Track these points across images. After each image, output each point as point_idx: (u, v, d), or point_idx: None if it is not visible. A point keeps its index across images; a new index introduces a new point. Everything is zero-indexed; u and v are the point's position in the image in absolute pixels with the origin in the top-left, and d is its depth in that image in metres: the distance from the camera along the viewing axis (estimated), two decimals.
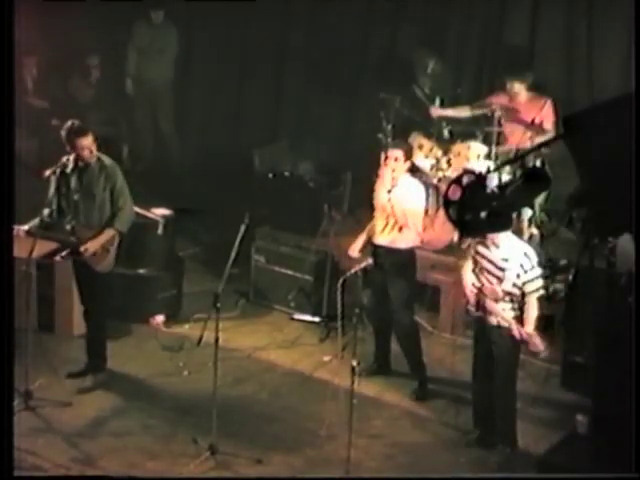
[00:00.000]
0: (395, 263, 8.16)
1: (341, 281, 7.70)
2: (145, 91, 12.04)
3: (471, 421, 7.72)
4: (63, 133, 7.91)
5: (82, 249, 7.93)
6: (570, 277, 8.49)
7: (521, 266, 7.13)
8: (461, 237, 8.95)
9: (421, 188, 8.25)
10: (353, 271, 7.81)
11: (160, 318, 9.31)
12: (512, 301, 7.21)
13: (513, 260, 7.15)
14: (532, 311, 7.18)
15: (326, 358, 8.77)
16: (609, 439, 7.06)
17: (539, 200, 9.23)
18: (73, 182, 7.98)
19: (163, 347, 8.89)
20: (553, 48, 10.59)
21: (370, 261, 8.00)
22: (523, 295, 7.17)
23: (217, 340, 7.30)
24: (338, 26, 11.47)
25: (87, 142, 7.88)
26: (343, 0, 11.38)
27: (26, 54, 11.16)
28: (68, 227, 8.01)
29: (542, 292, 7.20)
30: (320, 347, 9.04)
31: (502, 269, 7.19)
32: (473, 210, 6.37)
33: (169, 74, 12.06)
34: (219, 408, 7.28)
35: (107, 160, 8.06)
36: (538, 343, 7.16)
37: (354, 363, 7.03)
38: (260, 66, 12.10)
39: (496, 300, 7.22)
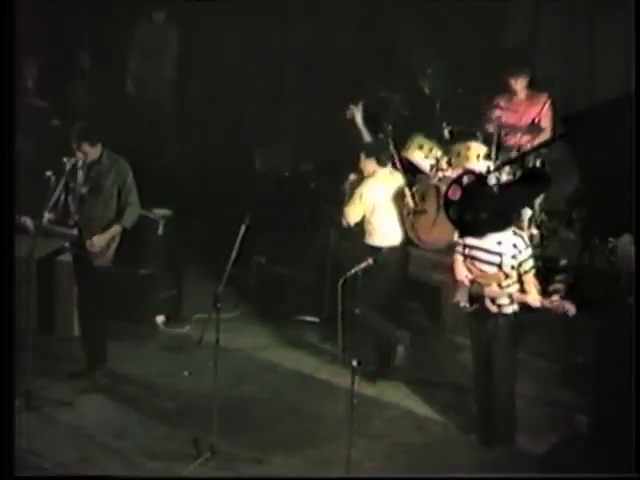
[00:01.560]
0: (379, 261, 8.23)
1: (341, 281, 7.70)
2: (145, 91, 12.03)
3: (471, 421, 7.72)
4: (73, 136, 7.94)
5: (88, 244, 7.96)
6: (570, 277, 8.49)
7: (514, 246, 7.18)
8: (461, 237, 8.95)
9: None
10: (353, 271, 7.82)
11: (160, 318, 9.31)
12: (511, 281, 7.24)
13: (506, 242, 7.19)
14: (533, 288, 7.21)
15: (326, 358, 8.77)
16: (609, 439, 7.06)
17: (539, 200, 9.23)
18: (81, 176, 8.04)
19: (163, 347, 8.90)
20: (553, 48, 10.59)
21: (370, 261, 8.01)
22: (520, 275, 7.20)
23: (218, 340, 7.30)
24: (338, 26, 11.47)
25: (92, 151, 7.96)
26: (344, 0, 11.38)
27: (26, 54, 11.14)
28: (71, 222, 8.04)
29: (535, 271, 7.22)
30: (320, 347, 9.04)
31: (498, 253, 7.22)
32: (473, 210, 6.39)
33: (169, 74, 12.05)
34: (219, 408, 7.28)
35: (117, 156, 8.12)
36: (569, 306, 7.06)
37: (354, 363, 7.03)
38: (260, 66, 12.10)
39: (499, 285, 7.24)
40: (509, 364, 7.45)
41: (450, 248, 9.39)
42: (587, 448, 7.32)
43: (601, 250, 8.16)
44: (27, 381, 7.75)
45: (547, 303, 7.11)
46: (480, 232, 7.08)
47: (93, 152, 8.00)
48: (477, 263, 7.33)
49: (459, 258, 7.46)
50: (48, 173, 7.96)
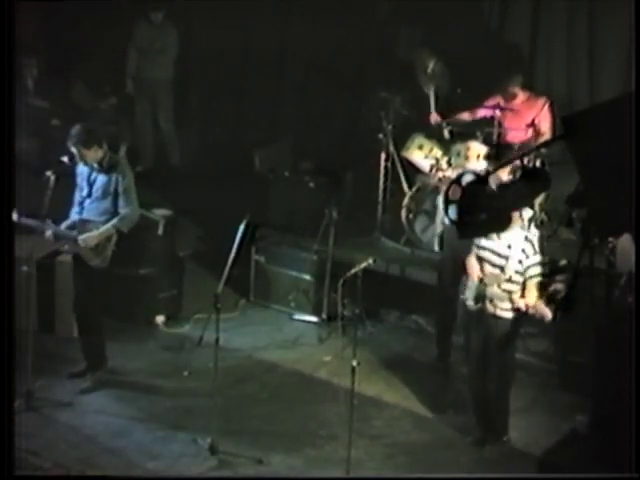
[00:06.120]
0: None
1: (341, 281, 7.70)
2: (145, 91, 12.04)
3: (470, 421, 7.72)
4: (70, 141, 7.93)
5: (80, 241, 7.96)
6: (570, 277, 8.48)
7: (523, 251, 7.19)
8: (461, 237, 8.93)
9: None
10: (353, 271, 7.81)
11: (160, 318, 9.31)
12: (514, 286, 7.22)
13: (515, 246, 7.19)
14: (531, 295, 7.17)
15: (326, 358, 8.77)
16: (609, 439, 7.06)
17: (539, 200, 9.23)
18: (82, 179, 8.06)
19: (163, 347, 8.90)
20: (553, 48, 10.60)
21: (370, 261, 7.99)
22: (524, 281, 7.20)
23: (217, 340, 7.30)
24: (338, 26, 11.47)
25: (92, 154, 7.94)
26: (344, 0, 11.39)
27: (26, 54, 11.15)
28: (69, 221, 8.06)
29: (540, 279, 7.19)
30: (320, 347, 9.04)
31: (505, 257, 7.23)
32: (473, 210, 6.37)
33: (169, 74, 12.06)
34: (219, 408, 7.28)
35: (118, 160, 8.13)
36: (545, 312, 7.07)
37: (354, 363, 7.03)
38: (260, 66, 12.10)
39: (499, 286, 7.24)
40: (504, 367, 7.44)
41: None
42: (587, 448, 7.32)
43: (601, 250, 8.15)
44: (27, 381, 7.75)
45: (531, 309, 7.13)
46: (480, 232, 7.07)
47: (92, 155, 7.96)
48: (484, 264, 7.34)
49: (473, 255, 7.48)
50: (48, 173, 7.95)
